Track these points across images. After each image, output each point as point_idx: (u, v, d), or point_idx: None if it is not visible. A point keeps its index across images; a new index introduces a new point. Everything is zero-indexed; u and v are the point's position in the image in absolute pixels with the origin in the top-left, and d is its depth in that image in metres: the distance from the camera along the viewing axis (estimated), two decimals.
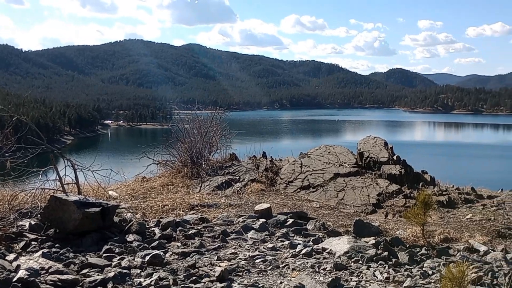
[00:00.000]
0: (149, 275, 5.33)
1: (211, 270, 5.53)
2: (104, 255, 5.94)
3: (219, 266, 5.59)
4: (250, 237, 6.99)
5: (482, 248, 7.13)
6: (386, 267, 5.95)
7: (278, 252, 6.41)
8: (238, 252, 6.26)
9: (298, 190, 10.73)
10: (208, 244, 6.57)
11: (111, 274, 5.21)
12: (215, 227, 7.38)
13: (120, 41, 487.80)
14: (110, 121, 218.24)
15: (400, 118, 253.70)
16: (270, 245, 6.62)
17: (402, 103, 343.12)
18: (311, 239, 7.00)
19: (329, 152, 12.80)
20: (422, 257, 6.61)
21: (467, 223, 8.57)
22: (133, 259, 5.81)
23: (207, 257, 6.05)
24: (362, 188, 10.42)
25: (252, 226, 7.40)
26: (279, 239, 6.97)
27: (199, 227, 7.32)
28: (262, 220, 7.62)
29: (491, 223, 8.46)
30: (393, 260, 6.22)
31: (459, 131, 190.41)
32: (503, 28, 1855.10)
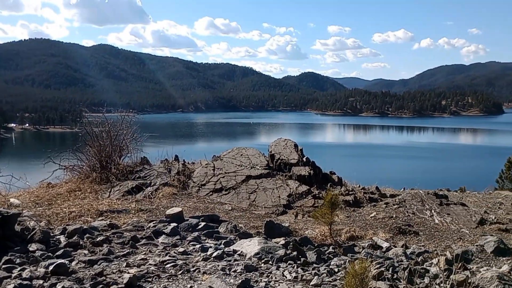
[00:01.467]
0: (53, 285, 5.07)
1: (119, 277, 5.37)
2: (4, 266, 5.58)
3: (128, 272, 5.45)
4: (161, 242, 6.88)
5: (385, 245, 7.51)
6: (295, 267, 6.09)
7: (189, 256, 6.36)
8: (148, 258, 6.14)
9: (211, 193, 10.73)
10: (117, 251, 6.38)
11: (10, 287, 4.91)
12: (125, 233, 7.19)
13: (25, 40, 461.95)
14: (14, 125, 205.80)
15: (312, 120, 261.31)
16: (181, 249, 6.55)
17: (313, 106, 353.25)
18: (223, 242, 7.01)
19: (241, 155, 12.91)
20: (330, 255, 6.86)
21: (371, 221, 8.99)
22: (36, 270, 5.51)
23: (115, 264, 5.87)
24: (273, 189, 10.62)
25: (163, 230, 7.29)
26: (191, 243, 6.92)
27: (107, 234, 7.09)
28: (173, 224, 7.53)
29: (393, 220, 8.95)
30: (302, 259, 6.39)
31: (367, 132, 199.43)
32: (406, 35, 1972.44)
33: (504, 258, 6.88)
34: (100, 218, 8.26)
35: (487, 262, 6.75)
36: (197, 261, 6.12)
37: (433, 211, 9.55)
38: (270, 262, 6.23)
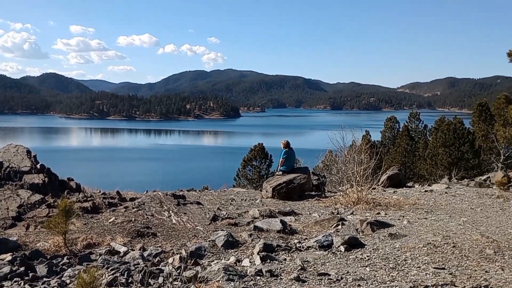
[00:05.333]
0: None
1: None
2: None
3: None
4: None
5: (122, 249, 7.47)
6: (22, 284, 5.61)
7: None
8: None
9: None
10: None
11: None
12: None
13: None
14: None
15: (56, 124, 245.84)
16: None
17: (57, 109, 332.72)
18: None
19: None
20: (64, 266, 6.51)
21: (110, 227, 8.86)
22: None
23: None
24: (1, 201, 9.61)
25: None
26: None
27: None
28: None
29: (132, 224, 8.97)
30: (31, 274, 5.92)
31: (115, 136, 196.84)
32: (151, 39, 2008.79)
33: (232, 250, 7.50)
34: None
35: (217, 255, 7.24)
36: None
37: (171, 211, 9.91)
38: None
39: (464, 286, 5.02)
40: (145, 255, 7.18)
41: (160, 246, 7.83)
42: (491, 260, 6.05)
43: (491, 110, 44.29)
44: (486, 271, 5.55)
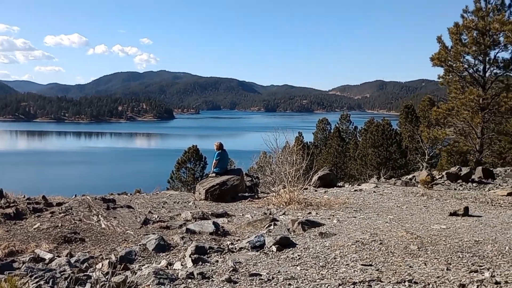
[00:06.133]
0: None
1: None
2: None
3: None
4: None
5: (48, 256, 7.16)
6: None
7: None
8: None
9: None
10: None
11: None
12: None
13: None
14: None
15: None
16: None
17: None
18: None
19: None
20: None
21: (34, 233, 8.47)
22: None
23: None
24: None
25: None
26: None
27: None
28: None
29: (59, 229, 8.63)
30: None
31: (43, 139, 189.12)
32: (81, 39, 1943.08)
33: (164, 254, 7.37)
34: None
35: (148, 259, 7.09)
36: None
37: (100, 216, 9.62)
38: None
39: (390, 281, 5.19)
40: (72, 261, 6.92)
41: (88, 252, 7.58)
42: (415, 255, 6.30)
43: (417, 112, 46.52)
44: (410, 266, 5.78)
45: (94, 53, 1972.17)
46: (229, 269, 5.84)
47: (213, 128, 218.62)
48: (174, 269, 6.24)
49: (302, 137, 52.17)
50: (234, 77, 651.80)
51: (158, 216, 10.09)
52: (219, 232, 8.41)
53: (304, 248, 6.86)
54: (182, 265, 6.43)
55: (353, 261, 6.06)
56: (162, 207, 11.69)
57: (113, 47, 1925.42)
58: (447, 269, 5.62)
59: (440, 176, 17.57)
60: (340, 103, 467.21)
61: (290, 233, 8.06)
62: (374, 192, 13.70)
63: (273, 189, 14.87)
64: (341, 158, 48.20)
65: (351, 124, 59.19)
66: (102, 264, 6.67)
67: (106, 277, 5.88)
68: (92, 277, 6.07)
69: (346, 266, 5.87)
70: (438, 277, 5.31)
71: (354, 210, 10.47)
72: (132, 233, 8.76)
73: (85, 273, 6.22)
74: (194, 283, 5.35)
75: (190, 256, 6.62)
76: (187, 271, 5.81)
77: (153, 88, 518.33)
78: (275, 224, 8.84)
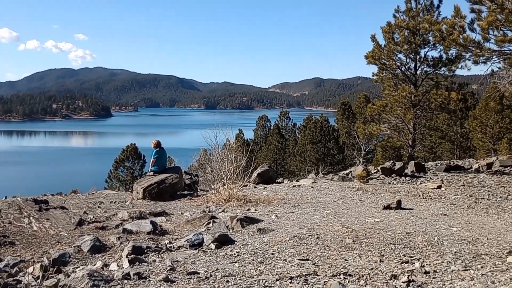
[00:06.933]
0: None
1: None
2: None
3: None
4: None
5: None
6: None
7: None
8: None
9: None
10: None
11: None
12: None
13: None
14: None
15: None
16: None
17: None
18: None
19: None
20: None
21: None
22: None
23: None
24: None
25: None
26: None
27: None
28: None
29: None
30: None
31: None
32: (11, 34, 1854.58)
33: (100, 255, 7.18)
34: None
35: (83, 261, 6.89)
36: None
37: (31, 217, 9.25)
38: None
39: (326, 275, 5.29)
40: (1, 266, 6.62)
41: (19, 255, 7.27)
42: (350, 248, 6.46)
43: (353, 108, 47.81)
44: (345, 259, 5.92)
45: (25, 49, 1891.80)
46: (166, 268, 5.77)
47: (152, 126, 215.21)
48: (110, 270, 6.10)
49: (243, 134, 52.41)
50: (174, 74, 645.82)
51: (93, 217, 9.82)
52: (157, 231, 8.29)
53: (242, 245, 6.88)
54: (118, 266, 6.30)
55: (290, 256, 6.14)
56: (98, 207, 11.40)
57: (46, 43, 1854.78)
58: (380, 261, 5.81)
59: (375, 171, 18.12)
60: (280, 100, 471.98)
61: (229, 230, 8.06)
62: (312, 187, 13.95)
63: (213, 186, 14.84)
64: (280, 155, 48.76)
65: (290, 121, 59.96)
66: (34, 268, 6.42)
67: (38, 281, 5.67)
68: (22, 282, 5.83)
69: (284, 261, 5.93)
70: (371, 269, 5.47)
71: (292, 206, 10.61)
72: (66, 234, 8.48)
73: (14, 278, 5.97)
74: (131, 284, 5.25)
75: (126, 257, 6.49)
76: (123, 271, 5.69)
77: (89, 85, 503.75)
78: (214, 222, 8.82)
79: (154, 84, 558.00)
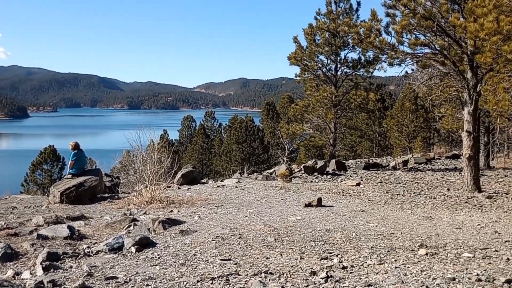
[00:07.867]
0: None
1: None
2: None
3: None
4: None
5: None
6: None
7: None
8: None
9: None
10: None
11: None
12: None
13: None
14: None
15: None
16: None
17: None
18: None
19: None
20: None
21: None
22: None
23: None
24: None
25: None
26: None
27: None
28: None
29: None
30: None
31: None
32: None
33: (11, 263, 6.80)
34: None
35: None
36: None
37: None
38: None
39: (247, 274, 5.31)
40: None
41: None
42: (272, 247, 6.54)
43: (277, 109, 48.56)
44: (267, 258, 5.98)
45: None
46: (83, 275, 5.57)
47: (72, 127, 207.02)
48: (22, 279, 5.79)
49: (167, 134, 51.69)
50: (95, 73, 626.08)
51: (5, 223, 9.27)
52: (74, 236, 7.96)
53: (164, 247, 6.77)
54: (31, 273, 6.00)
55: (212, 256, 6.11)
56: (11, 212, 10.78)
57: None
58: (301, 258, 5.92)
59: (298, 169, 18.50)
60: (205, 100, 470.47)
61: (151, 233, 7.90)
62: (236, 187, 13.99)
63: (135, 188, 14.49)
64: (206, 155, 48.63)
65: (216, 121, 59.93)
66: None
67: None
68: None
69: (206, 262, 5.90)
70: (292, 266, 5.56)
71: (215, 206, 10.59)
72: None
73: None
74: None
75: (40, 264, 6.19)
76: (36, 280, 5.42)
77: (3, 84, 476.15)
78: (135, 225, 8.61)
79: (74, 84, 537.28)
